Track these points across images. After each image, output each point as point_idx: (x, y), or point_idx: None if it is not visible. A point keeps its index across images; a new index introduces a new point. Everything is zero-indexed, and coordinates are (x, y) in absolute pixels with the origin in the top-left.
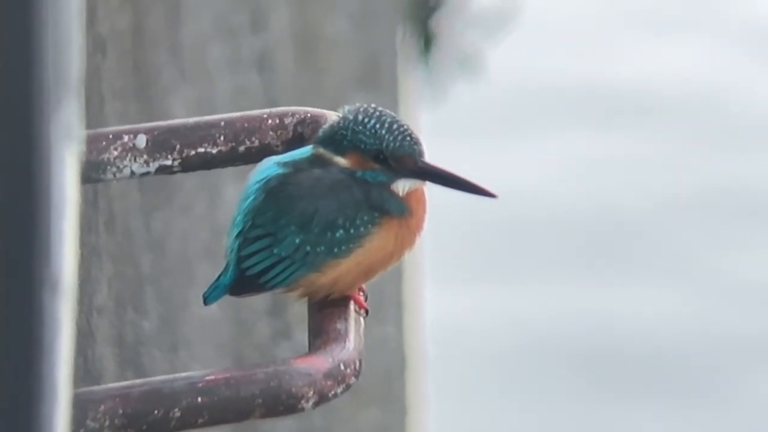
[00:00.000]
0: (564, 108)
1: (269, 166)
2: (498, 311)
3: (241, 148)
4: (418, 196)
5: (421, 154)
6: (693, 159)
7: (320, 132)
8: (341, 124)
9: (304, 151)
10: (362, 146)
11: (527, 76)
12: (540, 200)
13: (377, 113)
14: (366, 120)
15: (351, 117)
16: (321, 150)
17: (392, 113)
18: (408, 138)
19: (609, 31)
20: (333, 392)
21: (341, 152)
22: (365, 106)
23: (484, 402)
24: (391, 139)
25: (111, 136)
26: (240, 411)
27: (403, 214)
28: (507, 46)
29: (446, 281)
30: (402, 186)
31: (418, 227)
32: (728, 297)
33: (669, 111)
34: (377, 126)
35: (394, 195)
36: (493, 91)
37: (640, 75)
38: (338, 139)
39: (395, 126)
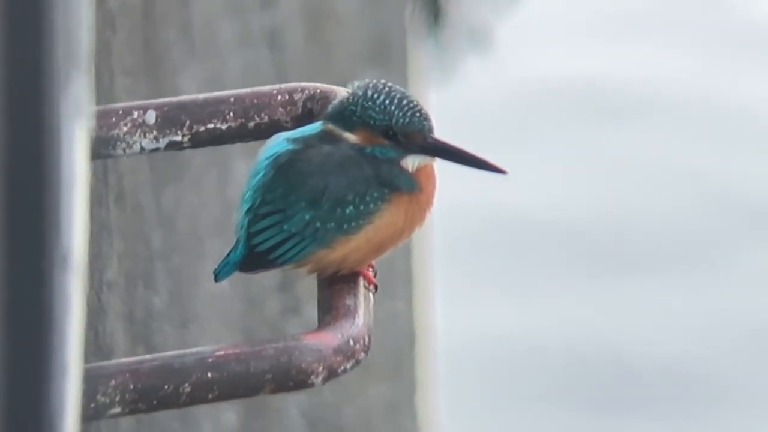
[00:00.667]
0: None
1: (279, 142)
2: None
3: (251, 124)
4: (428, 172)
5: (430, 129)
6: (694, 161)
7: (329, 108)
8: (351, 100)
9: (314, 127)
10: (371, 122)
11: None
12: (542, 202)
13: (386, 89)
14: (375, 96)
15: (360, 93)
16: (330, 126)
17: (402, 89)
18: (417, 114)
19: (610, 30)
20: (342, 368)
21: (350, 128)
22: (375, 81)
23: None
24: (400, 114)
25: (121, 112)
26: (250, 386)
27: (413, 190)
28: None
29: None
30: (411, 162)
31: (428, 203)
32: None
33: (670, 111)
34: (386, 102)
35: (403, 171)
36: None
37: (643, 73)
38: (347, 115)
39: (405, 102)
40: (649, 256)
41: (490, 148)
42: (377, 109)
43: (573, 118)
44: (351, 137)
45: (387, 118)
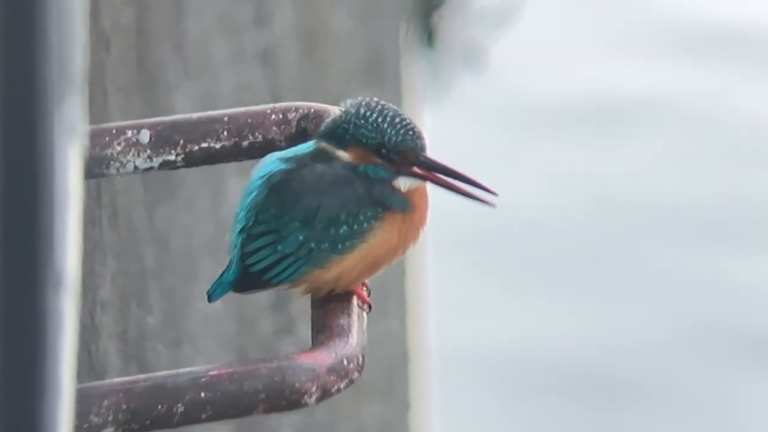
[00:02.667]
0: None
1: (272, 162)
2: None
3: (245, 143)
4: (420, 191)
5: (423, 148)
6: (688, 171)
7: (323, 126)
8: (343, 118)
9: (307, 146)
10: (364, 140)
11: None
12: (537, 210)
13: (379, 107)
14: (368, 114)
15: (353, 111)
16: (324, 144)
17: (395, 107)
18: (410, 132)
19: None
20: (336, 387)
21: (343, 146)
22: (367, 99)
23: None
24: (393, 132)
25: (114, 131)
26: (243, 406)
27: (405, 210)
28: (506, 47)
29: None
30: (404, 183)
31: (421, 221)
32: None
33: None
34: (379, 120)
35: (396, 190)
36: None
37: (639, 89)
38: (340, 133)
39: (397, 120)
40: (641, 268)
41: (483, 167)
42: (369, 127)
43: (567, 136)
44: (344, 155)
45: (379, 136)
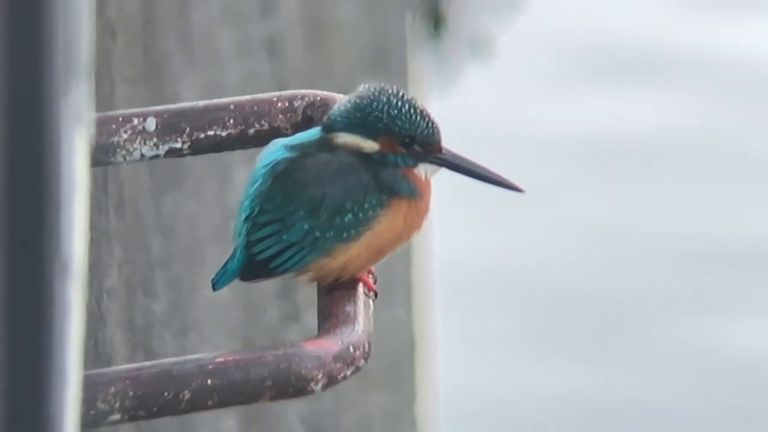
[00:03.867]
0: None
1: (276, 150)
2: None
3: (251, 131)
4: (426, 181)
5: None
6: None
7: (338, 117)
8: (375, 107)
9: (312, 134)
10: (397, 130)
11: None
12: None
13: (405, 97)
14: (400, 104)
15: (384, 99)
16: (345, 136)
17: (413, 97)
18: (435, 125)
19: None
20: (342, 375)
21: (374, 135)
22: (387, 88)
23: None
24: (424, 125)
25: (121, 119)
26: (249, 393)
27: (413, 196)
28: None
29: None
30: (425, 170)
31: (426, 209)
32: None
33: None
34: (411, 111)
35: (406, 176)
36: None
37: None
38: (372, 122)
39: (425, 112)
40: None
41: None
42: (404, 117)
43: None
44: (372, 145)
45: (413, 127)
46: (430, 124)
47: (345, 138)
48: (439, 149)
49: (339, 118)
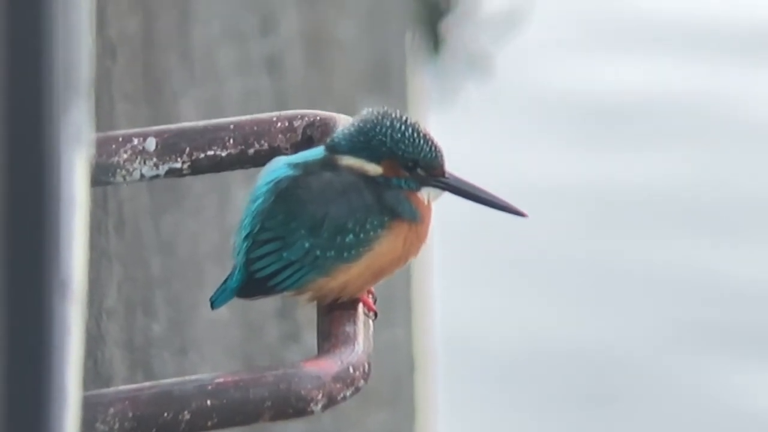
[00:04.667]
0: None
1: (279, 167)
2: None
3: (251, 151)
4: (428, 207)
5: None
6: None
7: (342, 140)
8: (378, 131)
9: (315, 153)
10: (400, 153)
11: (534, 81)
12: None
13: (407, 120)
14: (403, 128)
15: (387, 123)
16: (349, 159)
17: (415, 120)
18: (439, 149)
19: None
20: (342, 395)
21: (378, 159)
22: (389, 111)
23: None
24: (427, 149)
25: (121, 139)
26: (249, 414)
27: (414, 219)
28: (515, 50)
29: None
30: (428, 194)
31: (426, 234)
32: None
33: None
34: (415, 135)
35: (408, 199)
36: (501, 95)
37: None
38: (375, 145)
39: (428, 136)
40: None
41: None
42: (407, 141)
43: (575, 139)
44: (376, 169)
45: (417, 151)
46: (433, 149)
47: (349, 161)
48: (443, 173)
49: (343, 141)
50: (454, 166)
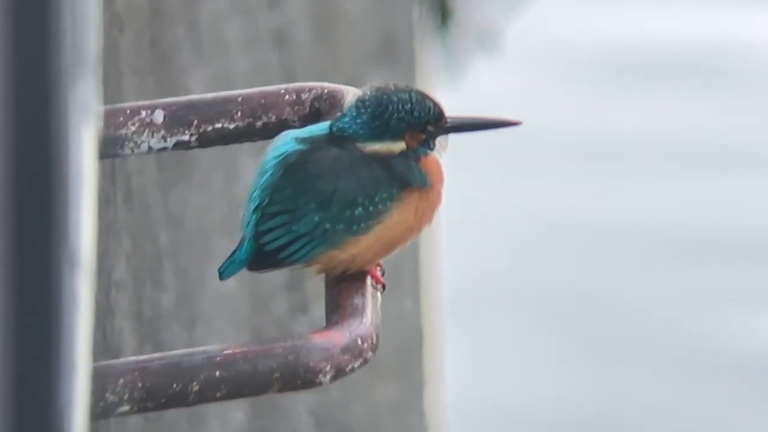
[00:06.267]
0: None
1: (287, 141)
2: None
3: (258, 124)
4: (438, 172)
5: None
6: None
7: (359, 129)
8: (392, 110)
9: (323, 128)
10: (416, 122)
11: (545, 47)
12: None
13: (406, 87)
14: (407, 97)
15: (395, 99)
16: (374, 145)
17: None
18: (436, 100)
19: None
20: (350, 366)
21: (400, 136)
22: (386, 87)
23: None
24: (432, 105)
25: (129, 112)
26: (258, 385)
27: (424, 186)
28: (524, 21)
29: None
30: (441, 146)
31: (438, 201)
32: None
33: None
34: (419, 98)
35: (418, 166)
36: (509, 66)
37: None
38: (395, 125)
39: (424, 93)
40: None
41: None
42: (417, 107)
43: (585, 97)
44: (401, 145)
45: (426, 112)
46: (433, 102)
47: (374, 147)
48: (446, 120)
49: (360, 131)
50: (461, 139)
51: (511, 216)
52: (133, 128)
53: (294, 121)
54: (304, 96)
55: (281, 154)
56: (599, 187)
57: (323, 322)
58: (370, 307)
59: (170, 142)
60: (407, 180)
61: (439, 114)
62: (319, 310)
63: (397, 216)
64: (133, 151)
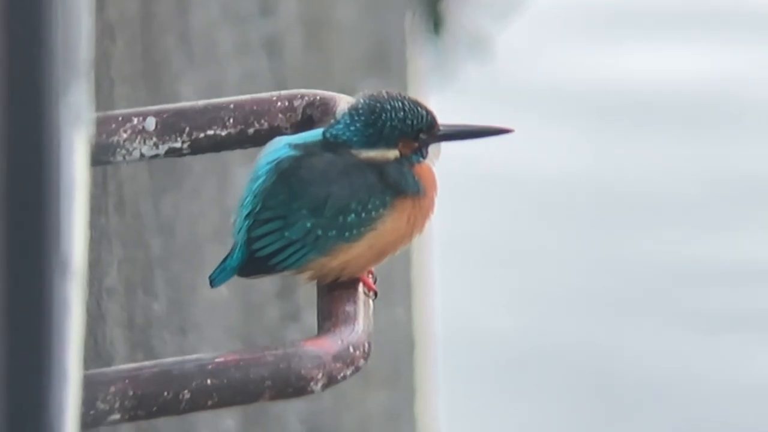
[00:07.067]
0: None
1: (280, 147)
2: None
3: (250, 131)
4: (431, 179)
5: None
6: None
7: (353, 137)
8: (385, 118)
9: (315, 134)
10: (409, 129)
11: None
12: (547, 181)
13: (398, 95)
14: (400, 104)
15: (388, 107)
16: (368, 152)
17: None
18: (429, 108)
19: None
20: (342, 374)
21: (394, 143)
22: (379, 95)
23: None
24: (424, 113)
25: (120, 119)
26: (249, 393)
27: (417, 193)
28: (515, 32)
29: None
30: (433, 153)
31: (430, 208)
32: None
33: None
34: (411, 105)
35: (411, 172)
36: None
37: (645, 75)
38: (388, 132)
39: (416, 101)
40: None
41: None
42: (410, 115)
43: (574, 121)
44: (394, 152)
45: (419, 119)
46: (426, 110)
47: (369, 154)
48: (439, 127)
49: (354, 138)
50: (453, 147)
51: (500, 243)
52: (125, 135)
53: (286, 128)
54: (296, 103)
55: (274, 160)
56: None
57: (315, 330)
58: (362, 315)
59: (162, 149)
60: (400, 187)
61: (431, 122)
62: (310, 317)
63: (389, 223)
64: (125, 158)
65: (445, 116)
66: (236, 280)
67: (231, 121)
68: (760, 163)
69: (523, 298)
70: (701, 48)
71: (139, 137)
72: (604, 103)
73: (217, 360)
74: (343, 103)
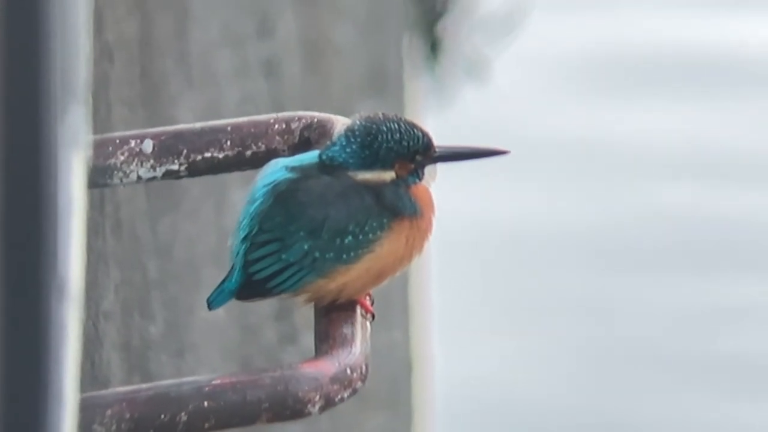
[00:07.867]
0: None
1: (277, 170)
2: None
3: (248, 153)
4: (428, 199)
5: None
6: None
7: (349, 159)
8: (381, 139)
9: (312, 156)
10: (405, 152)
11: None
12: (541, 217)
13: (395, 117)
14: (396, 126)
15: (384, 129)
16: (364, 174)
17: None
18: (425, 129)
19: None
20: (339, 397)
21: (390, 165)
22: (375, 117)
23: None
24: (420, 134)
25: (118, 141)
26: (246, 415)
27: (415, 215)
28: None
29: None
30: (429, 175)
31: (428, 229)
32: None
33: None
34: (406, 127)
35: (408, 194)
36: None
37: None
38: (384, 154)
39: (412, 123)
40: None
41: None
42: (406, 137)
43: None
44: (391, 175)
45: (415, 141)
46: (422, 132)
47: (365, 176)
48: (435, 149)
49: (350, 159)
50: (450, 168)
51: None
52: (122, 158)
53: (284, 150)
54: (293, 125)
55: (271, 183)
56: (592, 198)
57: (312, 352)
58: (360, 337)
59: (159, 171)
60: (398, 209)
61: (428, 143)
62: (308, 339)
63: (387, 245)
64: (122, 181)
65: (442, 138)
66: (233, 302)
67: (228, 143)
68: (760, 212)
69: (523, 317)
70: (691, 106)
71: (136, 160)
72: (591, 156)
73: (214, 382)
74: (341, 125)
